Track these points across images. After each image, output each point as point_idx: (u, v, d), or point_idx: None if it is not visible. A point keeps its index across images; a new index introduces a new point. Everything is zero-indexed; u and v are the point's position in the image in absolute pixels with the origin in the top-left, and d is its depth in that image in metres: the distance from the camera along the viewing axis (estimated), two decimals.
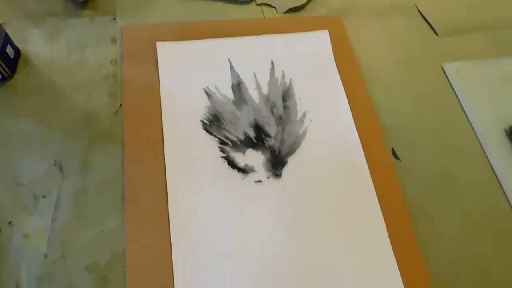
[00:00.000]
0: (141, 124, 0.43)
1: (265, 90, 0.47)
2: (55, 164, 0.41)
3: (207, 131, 0.43)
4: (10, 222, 0.38)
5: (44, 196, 0.39)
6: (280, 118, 0.45)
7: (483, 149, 0.47)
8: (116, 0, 0.51)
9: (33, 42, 0.47)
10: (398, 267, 0.38)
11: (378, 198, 0.41)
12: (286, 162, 0.43)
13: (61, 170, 0.40)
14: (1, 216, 0.38)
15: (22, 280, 0.35)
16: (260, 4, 0.54)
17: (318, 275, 0.37)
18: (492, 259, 0.41)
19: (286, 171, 0.42)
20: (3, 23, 0.45)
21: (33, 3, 0.49)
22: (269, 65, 0.48)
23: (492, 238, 0.42)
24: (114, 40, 0.48)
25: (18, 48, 0.46)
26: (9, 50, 0.44)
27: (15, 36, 0.45)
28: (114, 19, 0.50)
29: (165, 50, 0.47)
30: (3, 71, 0.43)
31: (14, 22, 0.48)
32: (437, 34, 0.55)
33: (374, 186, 0.42)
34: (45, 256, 0.37)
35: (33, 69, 0.45)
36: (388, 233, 0.40)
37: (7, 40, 0.43)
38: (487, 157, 0.46)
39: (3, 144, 0.41)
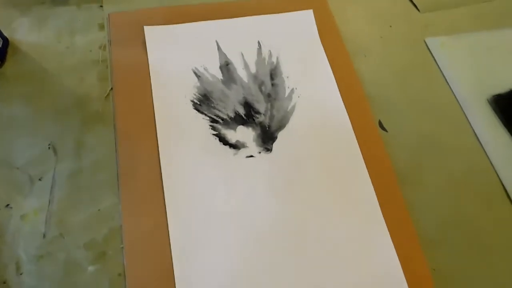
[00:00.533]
0: (133, 106, 0.44)
1: (253, 69, 0.48)
2: (49, 147, 0.41)
3: (198, 110, 0.44)
4: (7, 205, 0.38)
5: (40, 179, 0.40)
6: (269, 95, 0.46)
7: (466, 117, 0.48)
8: None
9: (21, 31, 0.47)
10: (389, 232, 0.40)
11: (366, 166, 0.43)
12: (276, 137, 0.44)
13: (55, 152, 0.41)
14: None
15: (23, 259, 0.36)
16: None
17: (310, 242, 0.39)
18: (477, 219, 0.42)
19: (276, 145, 0.43)
20: None
21: None
22: (256, 45, 0.49)
23: (476, 199, 0.43)
24: (101, 26, 0.49)
25: (6, 37, 0.46)
26: None
27: (2, 26, 0.46)
28: (101, 6, 0.50)
29: (153, 34, 0.47)
30: None
31: (1, 11, 0.48)
32: (418, 10, 0.56)
33: (363, 156, 0.43)
34: (44, 235, 0.37)
35: (23, 57, 0.46)
36: (378, 200, 0.41)
37: None
38: (470, 125, 0.48)
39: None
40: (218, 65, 0.47)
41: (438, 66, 0.52)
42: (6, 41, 0.46)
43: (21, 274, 0.36)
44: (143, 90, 0.45)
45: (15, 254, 0.36)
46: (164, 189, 0.40)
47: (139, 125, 0.43)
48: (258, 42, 0.49)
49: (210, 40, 0.49)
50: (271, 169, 0.42)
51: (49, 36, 0.47)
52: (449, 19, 0.56)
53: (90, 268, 0.36)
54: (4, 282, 0.35)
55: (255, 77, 0.47)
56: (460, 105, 0.49)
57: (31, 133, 0.42)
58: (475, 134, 0.47)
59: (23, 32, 0.47)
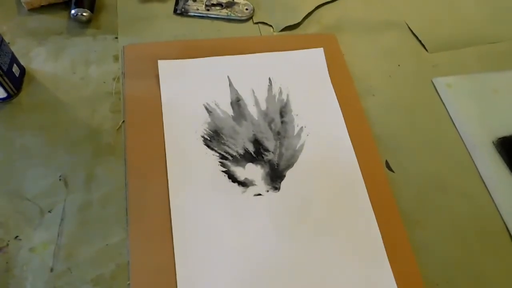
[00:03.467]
0: (144, 140, 0.44)
1: (263, 106, 0.48)
2: (60, 179, 0.42)
3: (208, 146, 0.45)
4: (16, 237, 0.39)
5: (49, 211, 0.40)
6: (278, 133, 0.47)
7: (472, 159, 0.49)
8: (117, 19, 0.53)
9: (38, 60, 0.48)
10: (393, 273, 0.40)
11: (373, 207, 0.43)
12: (284, 176, 0.44)
13: (66, 184, 0.42)
14: (8, 231, 0.39)
15: None
16: (257, 23, 0.56)
17: (313, 281, 0.39)
18: (480, 260, 0.42)
19: (284, 184, 0.44)
20: (9, 42, 0.46)
21: (37, 22, 0.51)
22: (267, 82, 0.50)
23: (480, 240, 0.43)
24: (116, 58, 0.50)
25: (23, 66, 0.47)
26: (15, 69, 0.45)
27: (20, 54, 0.47)
28: (116, 37, 0.51)
29: (166, 68, 0.48)
30: (9, 89, 0.44)
31: (19, 40, 0.49)
32: (427, 50, 0.57)
33: (369, 197, 0.44)
34: (51, 269, 0.38)
35: (38, 86, 0.47)
36: (383, 242, 0.41)
37: (14, 59, 0.45)
38: (476, 167, 0.48)
39: (9, 159, 0.42)
40: (229, 101, 0.48)
41: (445, 106, 0.53)
42: (23, 70, 0.47)
43: None
44: (155, 124, 0.45)
45: None
46: (173, 225, 0.40)
47: (149, 159, 0.43)
48: (269, 79, 0.50)
49: (222, 76, 0.49)
50: (279, 208, 0.42)
51: (65, 66, 0.48)
52: (457, 60, 0.57)
53: None
54: None
55: (265, 114, 0.48)
56: (466, 146, 0.50)
57: (43, 164, 0.42)
58: (480, 176, 0.48)
59: (40, 62, 0.48)
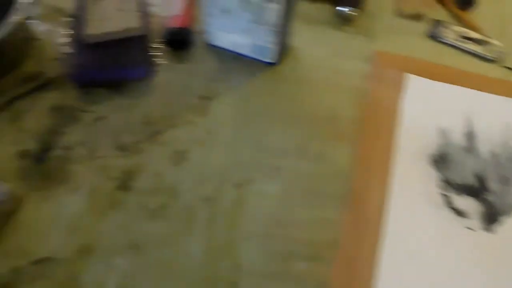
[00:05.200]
0: (374, 139, 0.48)
1: (497, 149, 0.48)
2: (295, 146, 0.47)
3: (434, 167, 0.46)
4: (250, 181, 0.45)
5: (279, 169, 0.46)
6: (506, 178, 0.46)
7: None
8: (374, 25, 0.57)
9: (303, 42, 0.55)
10: None
11: None
12: (502, 221, 0.44)
13: (302, 153, 0.47)
14: (245, 175, 0.45)
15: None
16: (504, 67, 0.55)
17: None
18: None
19: (501, 229, 0.43)
20: None
21: (310, 11, 0.58)
22: (506, 127, 0.50)
23: None
24: (368, 59, 0.54)
25: (289, 43, 0.54)
26: (284, 43, 0.52)
27: (294, 34, 0.54)
28: (371, 41, 0.56)
29: (415, 84, 0.51)
30: (276, 57, 0.51)
31: (296, 23, 0.56)
32: None
33: None
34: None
35: (297, 63, 0.53)
36: None
37: (287, 35, 0.52)
38: None
39: (258, 116, 0.49)
40: (464, 131, 0.49)
41: None
42: (286, 46, 0.54)
43: None
44: (388, 129, 0.49)
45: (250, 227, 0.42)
46: (386, 222, 0.43)
47: (376, 157, 0.47)
48: (509, 125, 0.50)
49: (464, 107, 0.51)
50: (487, 250, 0.42)
51: (323, 52, 0.54)
52: None
53: (303, 264, 0.41)
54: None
55: (497, 156, 0.48)
56: None
57: (285, 128, 0.48)
58: None
59: (304, 43, 0.55)
